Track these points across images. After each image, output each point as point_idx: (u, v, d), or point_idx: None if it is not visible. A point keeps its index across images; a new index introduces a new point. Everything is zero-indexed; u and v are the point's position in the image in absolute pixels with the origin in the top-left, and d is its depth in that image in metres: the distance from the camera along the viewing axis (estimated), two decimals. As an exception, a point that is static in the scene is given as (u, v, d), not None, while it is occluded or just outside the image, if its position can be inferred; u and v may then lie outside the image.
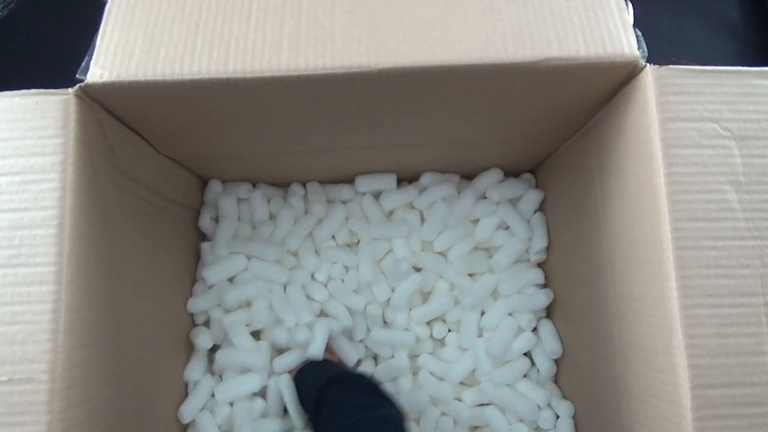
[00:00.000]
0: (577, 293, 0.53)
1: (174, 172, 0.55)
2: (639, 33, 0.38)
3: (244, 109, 0.41)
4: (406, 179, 0.63)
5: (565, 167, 0.53)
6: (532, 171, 0.63)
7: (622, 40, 0.37)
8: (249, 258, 0.59)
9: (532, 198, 0.60)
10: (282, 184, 0.64)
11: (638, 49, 0.37)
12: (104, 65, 0.37)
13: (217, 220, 0.62)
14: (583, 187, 0.49)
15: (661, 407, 0.35)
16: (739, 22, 0.66)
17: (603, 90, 0.40)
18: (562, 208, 0.56)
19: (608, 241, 0.44)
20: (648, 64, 0.37)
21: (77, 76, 0.37)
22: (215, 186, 0.62)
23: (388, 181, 0.61)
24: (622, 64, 0.37)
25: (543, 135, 0.50)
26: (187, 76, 0.37)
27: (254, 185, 0.63)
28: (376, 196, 0.63)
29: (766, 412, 0.33)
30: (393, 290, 0.60)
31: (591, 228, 0.47)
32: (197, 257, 0.62)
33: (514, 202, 0.61)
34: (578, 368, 0.54)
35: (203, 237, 0.63)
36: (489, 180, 0.61)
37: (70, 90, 0.37)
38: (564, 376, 0.57)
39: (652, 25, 0.66)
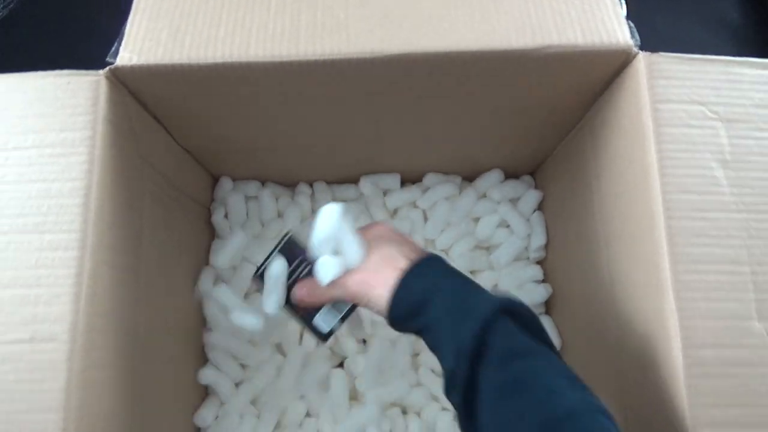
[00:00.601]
0: (575, 286, 0.55)
1: (188, 165, 0.57)
2: (632, 25, 0.41)
3: (261, 94, 0.43)
4: (410, 180, 0.66)
5: (563, 166, 0.56)
6: (532, 174, 0.66)
7: (616, 30, 0.40)
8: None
9: (531, 198, 0.62)
10: (289, 184, 0.66)
11: (632, 38, 0.40)
12: (133, 50, 0.40)
13: (227, 216, 0.64)
14: (579, 179, 0.51)
15: (654, 369, 0.37)
16: (739, 21, 0.66)
17: (599, 78, 0.43)
18: (560, 206, 0.58)
19: (603, 225, 0.46)
20: (640, 52, 0.40)
21: (107, 59, 0.40)
22: (226, 183, 0.64)
23: (393, 181, 0.64)
24: (616, 51, 0.40)
25: (542, 130, 0.53)
26: (210, 60, 0.40)
27: (263, 184, 0.65)
28: (381, 196, 0.65)
29: (752, 372, 0.35)
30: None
31: (586, 215, 0.49)
32: (207, 252, 0.63)
33: (514, 201, 0.63)
34: (576, 361, 0.56)
35: (213, 234, 0.65)
36: (490, 180, 0.63)
37: (100, 72, 0.39)
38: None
39: (652, 24, 0.66)
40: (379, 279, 0.39)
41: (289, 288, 0.45)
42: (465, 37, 0.40)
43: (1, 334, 0.35)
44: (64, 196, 0.38)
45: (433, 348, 0.38)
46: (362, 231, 0.43)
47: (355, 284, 0.41)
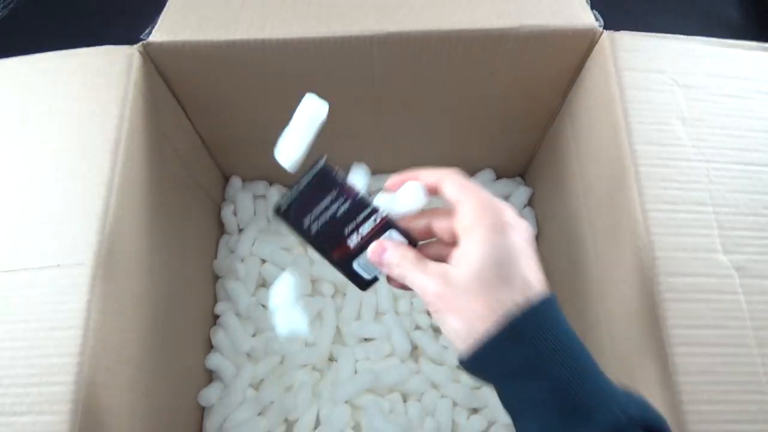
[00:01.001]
0: (563, 268, 0.58)
1: (203, 157, 0.62)
2: (596, 13, 0.47)
3: (273, 72, 0.49)
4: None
5: (548, 160, 0.61)
6: (522, 176, 0.71)
7: (582, 14, 0.46)
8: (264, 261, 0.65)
9: (521, 194, 0.67)
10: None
11: (596, 21, 0.46)
12: (164, 32, 0.46)
13: (236, 214, 0.68)
14: (562, 160, 0.56)
15: (636, 301, 0.40)
16: (739, 22, 0.66)
17: (571, 59, 0.49)
18: (548, 201, 0.63)
19: (584, 192, 0.50)
20: (604, 31, 0.45)
21: (141, 37, 0.46)
22: (236, 182, 0.69)
23: (392, 181, 0.69)
24: (583, 31, 0.46)
25: (526, 121, 0.58)
26: (231, 38, 0.46)
27: (270, 184, 0.70)
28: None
29: (721, 298, 0.38)
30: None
31: (570, 189, 0.54)
32: (216, 247, 0.67)
33: (505, 198, 0.68)
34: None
35: (221, 231, 0.69)
36: (482, 179, 0.68)
37: (135, 46, 0.45)
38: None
39: (652, 24, 0.66)
40: (465, 310, 0.30)
41: (323, 230, 0.36)
42: (451, 19, 0.46)
43: (32, 261, 0.39)
44: (97, 148, 0.42)
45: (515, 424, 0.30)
46: (474, 196, 0.32)
47: (430, 295, 0.31)
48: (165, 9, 0.48)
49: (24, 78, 0.45)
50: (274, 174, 0.69)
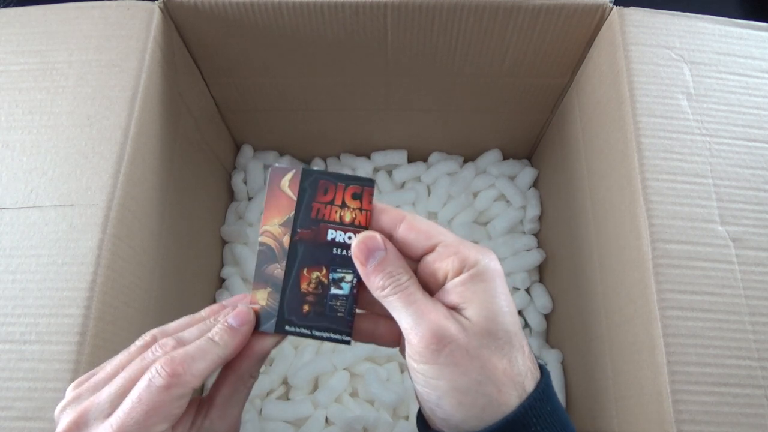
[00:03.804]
0: (565, 248, 0.59)
1: (216, 122, 0.64)
2: (607, -11, 0.47)
3: (288, 36, 0.50)
4: (416, 159, 0.72)
5: (554, 140, 0.62)
6: (529, 158, 0.71)
7: (594, -10, 0.47)
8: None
9: (527, 174, 0.68)
10: (305, 158, 0.72)
11: (606, -3, 0.47)
12: (184, -11, 0.48)
13: (246, 182, 0.70)
14: (568, 140, 0.56)
15: (629, 267, 0.41)
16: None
17: (581, 35, 0.49)
18: (554, 182, 0.63)
19: (588, 170, 0.51)
20: (614, 6, 0.46)
21: (162, -5, 0.47)
22: (247, 150, 0.70)
23: (400, 156, 0.70)
24: (594, 6, 0.46)
25: (535, 97, 0.59)
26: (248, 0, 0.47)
27: (281, 155, 0.72)
28: (389, 172, 0.71)
29: (715, 266, 0.38)
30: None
31: (574, 168, 0.54)
32: (224, 212, 0.69)
33: (511, 178, 0.68)
34: (565, 321, 0.58)
35: (231, 198, 0.70)
36: (489, 159, 0.69)
37: (155, 1, 0.47)
38: (553, 332, 0.61)
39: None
40: (448, 403, 0.27)
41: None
42: (465, -10, 0.47)
43: (47, 199, 0.40)
44: (115, 96, 0.44)
45: None
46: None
47: (438, 337, 0.27)
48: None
49: (45, 26, 0.46)
50: (284, 144, 0.70)
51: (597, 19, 0.48)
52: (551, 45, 0.51)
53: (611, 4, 0.46)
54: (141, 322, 0.44)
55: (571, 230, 0.56)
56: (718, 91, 0.44)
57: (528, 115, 0.62)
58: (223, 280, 0.66)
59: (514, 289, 0.63)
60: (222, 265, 0.67)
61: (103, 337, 0.38)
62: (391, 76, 0.56)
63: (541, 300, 0.61)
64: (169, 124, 0.50)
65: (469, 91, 0.58)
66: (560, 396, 0.56)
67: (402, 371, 0.61)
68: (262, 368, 0.60)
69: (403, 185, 0.70)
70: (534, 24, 0.48)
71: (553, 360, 0.58)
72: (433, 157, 0.70)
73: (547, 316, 0.62)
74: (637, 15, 0.45)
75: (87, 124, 0.43)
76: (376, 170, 0.71)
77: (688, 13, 0.46)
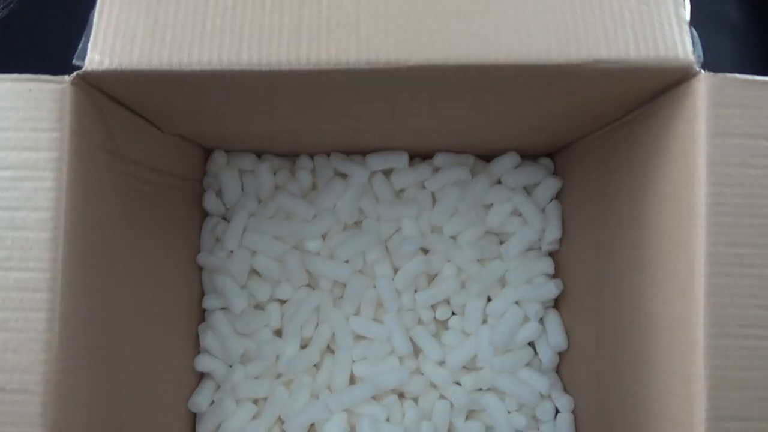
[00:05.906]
0: (588, 289, 0.52)
1: (177, 146, 0.52)
2: (695, 33, 0.34)
3: (258, 99, 0.38)
4: (419, 156, 0.61)
5: (590, 159, 0.51)
6: (551, 155, 0.61)
7: (676, 41, 0.34)
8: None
9: (549, 186, 0.58)
10: (289, 155, 0.61)
11: (693, 52, 0.34)
12: (104, 50, 0.34)
13: (220, 194, 0.60)
14: (608, 184, 0.46)
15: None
16: (739, 22, 0.64)
17: (648, 91, 0.37)
18: (580, 198, 0.54)
19: (632, 248, 0.42)
20: (702, 71, 0.34)
21: (74, 62, 0.34)
22: (219, 158, 0.59)
23: (400, 160, 0.59)
24: (674, 69, 0.34)
25: (571, 126, 0.48)
26: (197, 67, 0.33)
27: (259, 156, 0.60)
28: (387, 174, 0.61)
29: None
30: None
31: (612, 227, 0.45)
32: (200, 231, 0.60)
33: (529, 188, 0.59)
34: (581, 362, 0.54)
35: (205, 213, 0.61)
36: (505, 165, 0.58)
37: (66, 78, 0.33)
38: (565, 367, 0.57)
39: None
40: None
41: None
42: (496, 44, 0.33)
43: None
44: (30, 228, 0.33)
45: None
46: None
47: None
48: (98, 6, 0.35)
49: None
50: (263, 144, 0.58)
51: (674, 80, 0.35)
52: (606, 101, 0.39)
53: (697, 68, 0.34)
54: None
55: (600, 259, 0.49)
56: (822, 199, 0.34)
57: (558, 133, 0.51)
58: (204, 311, 0.59)
59: (525, 319, 0.57)
60: (202, 294, 0.60)
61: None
62: (395, 116, 0.44)
63: (556, 337, 0.56)
64: (113, 210, 0.40)
65: (491, 122, 0.46)
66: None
67: (402, 403, 0.58)
68: (254, 411, 0.57)
69: (402, 192, 0.61)
70: (585, 85, 0.36)
71: (563, 409, 0.54)
72: (439, 159, 0.59)
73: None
74: (731, 89, 0.33)
75: (1, 268, 0.33)
76: (372, 174, 0.60)
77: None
